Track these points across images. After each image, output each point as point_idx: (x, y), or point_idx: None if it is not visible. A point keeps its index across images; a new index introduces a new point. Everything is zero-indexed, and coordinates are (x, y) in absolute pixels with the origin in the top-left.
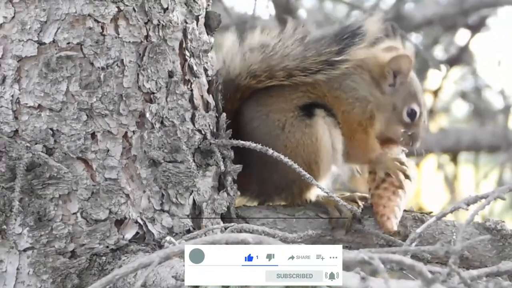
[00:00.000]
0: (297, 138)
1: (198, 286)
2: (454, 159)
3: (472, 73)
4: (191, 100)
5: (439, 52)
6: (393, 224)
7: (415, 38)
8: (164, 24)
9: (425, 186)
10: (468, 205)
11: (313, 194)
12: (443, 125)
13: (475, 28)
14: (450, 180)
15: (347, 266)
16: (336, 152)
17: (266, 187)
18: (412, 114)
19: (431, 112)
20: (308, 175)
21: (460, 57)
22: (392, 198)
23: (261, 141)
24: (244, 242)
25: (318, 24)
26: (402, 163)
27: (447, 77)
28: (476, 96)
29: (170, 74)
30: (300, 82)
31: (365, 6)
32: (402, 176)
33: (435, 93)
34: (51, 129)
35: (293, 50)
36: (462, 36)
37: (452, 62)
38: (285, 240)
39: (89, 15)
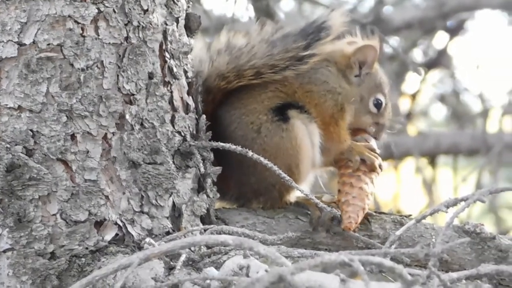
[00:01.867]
0: (276, 143)
1: (177, 287)
2: (432, 163)
3: (451, 76)
4: (170, 102)
5: (417, 55)
6: (352, 226)
7: (394, 41)
8: (144, 25)
9: (403, 190)
10: (447, 207)
11: (293, 196)
12: (421, 128)
13: (454, 31)
14: (428, 183)
15: (327, 268)
16: (315, 148)
17: (244, 191)
18: (378, 104)
19: (410, 115)
20: (288, 178)
21: (439, 60)
22: (361, 194)
23: (239, 145)
24: (224, 244)
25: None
26: (373, 150)
27: (425, 80)
28: (455, 99)
29: (150, 76)
30: (270, 80)
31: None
32: (376, 162)
33: (413, 96)
34: (31, 130)
35: (260, 48)
36: (440, 39)
37: (430, 65)
38: (265, 242)
39: (69, 16)
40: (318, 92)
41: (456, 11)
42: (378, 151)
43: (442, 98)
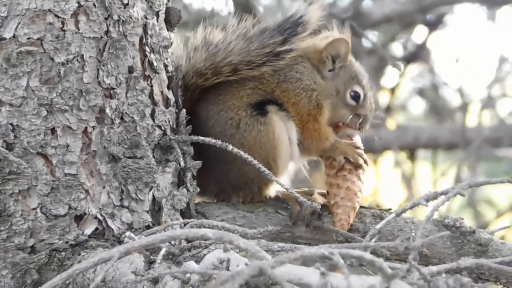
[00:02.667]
0: (254, 136)
1: (158, 280)
2: (411, 157)
3: (430, 71)
4: (151, 96)
5: (396, 49)
6: (345, 227)
7: (373, 36)
8: (124, 19)
9: (382, 184)
10: (427, 201)
11: (272, 191)
12: (400, 122)
13: (433, 25)
14: (407, 177)
15: (307, 262)
16: (292, 145)
17: (224, 187)
18: (355, 96)
19: (389, 109)
20: (267, 171)
21: (418, 55)
22: (349, 193)
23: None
24: (204, 237)
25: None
26: (357, 147)
27: (404, 75)
28: (434, 93)
29: (130, 70)
30: (247, 76)
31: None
32: (360, 160)
33: (392, 90)
34: (11, 124)
35: (236, 45)
36: (419, 33)
37: (409, 59)
38: (245, 236)
39: (49, 10)
40: (293, 91)
41: (435, 4)
42: (362, 147)
43: (421, 92)
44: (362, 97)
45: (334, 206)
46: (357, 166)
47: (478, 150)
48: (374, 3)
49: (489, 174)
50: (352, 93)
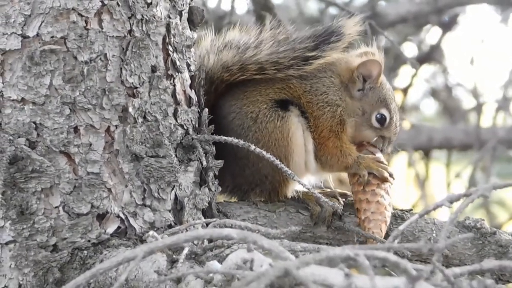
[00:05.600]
0: (270, 131)
1: (180, 280)
2: (426, 157)
3: (443, 71)
4: (173, 95)
5: (410, 49)
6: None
7: (387, 35)
8: (147, 18)
9: (395, 184)
10: (451, 202)
11: (290, 190)
12: (413, 123)
13: (447, 26)
14: (421, 178)
15: (330, 262)
16: (308, 154)
17: (239, 182)
18: (381, 119)
19: (402, 110)
20: (288, 170)
21: (431, 55)
22: (379, 207)
23: (235, 133)
24: (228, 237)
25: (292, 20)
26: (381, 162)
27: (417, 75)
28: (447, 94)
29: (153, 69)
30: (274, 77)
31: (340, 3)
32: (385, 173)
33: (405, 90)
34: (34, 122)
35: (266, 44)
36: (433, 34)
37: (423, 60)
38: (268, 236)
39: (73, 9)
40: (317, 104)
41: (450, 5)
42: (385, 161)
43: (433, 93)
44: (388, 120)
45: (365, 221)
46: (384, 180)
47: (493, 150)
48: (390, 4)
49: (501, 175)
50: (378, 115)
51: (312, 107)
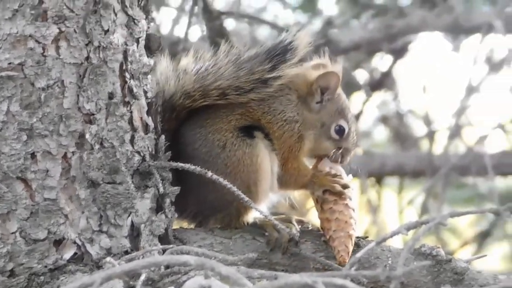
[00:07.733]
0: (238, 157)
1: None
2: (378, 183)
3: (394, 98)
4: (130, 121)
5: (361, 76)
6: (345, 258)
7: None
8: (104, 46)
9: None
10: (408, 230)
11: (251, 216)
12: (365, 149)
13: (398, 53)
14: (373, 204)
15: None
16: (273, 175)
17: (203, 208)
18: (340, 130)
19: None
20: (246, 198)
21: (382, 82)
22: (340, 224)
23: (202, 161)
24: (186, 264)
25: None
26: (334, 176)
27: (368, 102)
28: (398, 121)
29: (110, 96)
30: (235, 102)
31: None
32: (338, 187)
33: (357, 117)
34: None
35: (226, 69)
36: (385, 61)
37: (374, 86)
38: (225, 263)
39: (30, 35)
40: (276, 123)
41: (403, 33)
42: (342, 173)
43: (384, 119)
44: (346, 131)
45: (330, 241)
46: (340, 194)
47: (445, 177)
48: (343, 31)
49: (452, 201)
50: (337, 127)
51: (272, 127)
